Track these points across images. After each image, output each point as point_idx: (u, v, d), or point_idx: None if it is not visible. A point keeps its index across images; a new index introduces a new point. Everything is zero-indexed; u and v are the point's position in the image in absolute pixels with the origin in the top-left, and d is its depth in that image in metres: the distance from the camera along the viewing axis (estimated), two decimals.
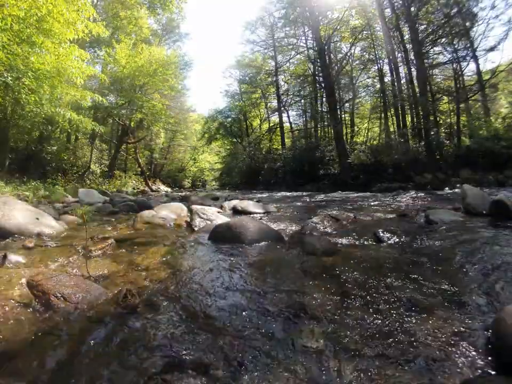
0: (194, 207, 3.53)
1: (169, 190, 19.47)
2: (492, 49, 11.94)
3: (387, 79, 16.03)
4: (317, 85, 17.62)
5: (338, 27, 14.57)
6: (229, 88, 25.36)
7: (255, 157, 18.51)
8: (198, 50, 72.57)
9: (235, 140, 25.07)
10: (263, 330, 1.02)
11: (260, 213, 3.96)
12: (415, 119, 12.80)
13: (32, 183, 7.49)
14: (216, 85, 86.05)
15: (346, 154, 12.42)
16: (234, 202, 4.58)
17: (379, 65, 16.54)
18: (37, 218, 2.78)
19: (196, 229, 2.87)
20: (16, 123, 8.60)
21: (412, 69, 12.85)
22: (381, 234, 2.19)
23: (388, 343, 0.92)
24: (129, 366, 0.84)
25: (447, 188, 7.96)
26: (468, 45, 12.77)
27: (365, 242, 2.14)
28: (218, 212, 3.82)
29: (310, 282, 1.42)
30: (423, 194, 6.36)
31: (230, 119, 25.67)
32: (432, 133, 11.61)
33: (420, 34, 12.43)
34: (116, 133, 18.66)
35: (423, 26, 12.97)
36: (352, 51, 17.03)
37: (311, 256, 1.86)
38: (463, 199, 2.98)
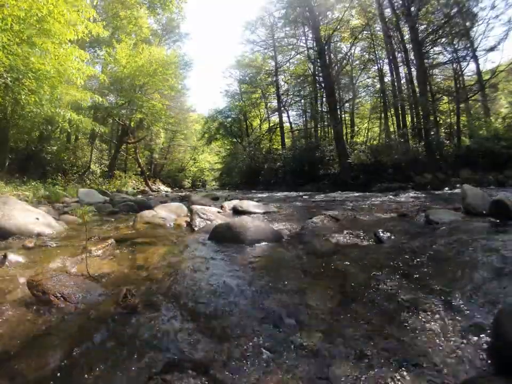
0: (194, 207, 3.53)
1: (169, 190, 19.47)
2: (492, 49, 11.94)
3: (387, 79, 16.06)
4: (317, 85, 17.62)
5: (338, 27, 14.57)
6: (229, 88, 25.41)
7: (255, 157, 18.51)
8: (198, 50, 72.72)
9: (235, 140, 25.07)
10: (263, 330, 1.02)
11: (260, 213, 3.96)
12: (415, 119, 12.80)
13: (32, 183, 7.49)
14: (216, 85, 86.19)
15: (346, 154, 12.42)
16: (234, 202, 4.58)
17: (379, 65, 16.55)
18: (37, 218, 2.78)
19: (196, 229, 2.87)
20: (16, 123, 8.60)
21: (412, 69, 12.85)
22: (381, 234, 2.19)
23: (387, 343, 0.92)
24: (129, 366, 0.84)
25: (447, 188, 7.96)
26: (468, 45, 12.78)
27: (365, 242, 2.14)
28: (218, 212, 3.82)
29: (310, 282, 1.42)
30: (423, 194, 6.36)
31: (230, 119, 25.68)
32: (432, 133, 11.61)
33: (420, 34, 12.43)
34: (116, 133, 18.66)
35: (423, 26, 12.98)
36: (352, 51, 17.06)
37: (311, 256, 1.86)
38: (463, 199, 2.98)
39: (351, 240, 2.23)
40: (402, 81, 14.14)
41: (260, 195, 8.88)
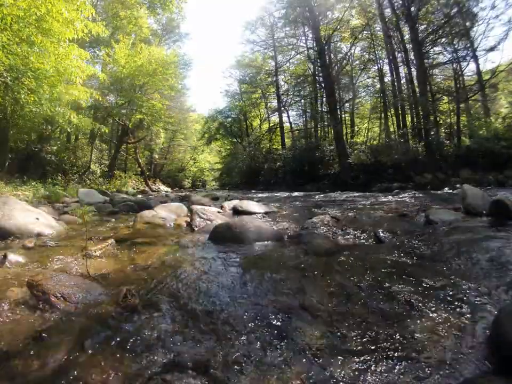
0: (194, 207, 3.53)
1: (169, 190, 19.45)
2: (492, 49, 11.94)
3: (387, 79, 16.06)
4: (317, 85, 17.61)
5: (338, 27, 14.56)
6: (229, 88, 25.40)
7: (255, 157, 18.51)
8: (198, 50, 72.59)
9: (235, 140, 25.07)
10: (263, 330, 1.02)
11: (260, 213, 3.96)
12: (415, 119, 12.80)
13: (32, 183, 7.49)
14: (216, 85, 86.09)
15: (346, 154, 12.42)
16: (234, 202, 4.57)
17: (379, 65, 16.55)
18: (37, 218, 2.78)
19: (196, 229, 2.87)
20: (16, 123, 8.59)
21: (412, 69, 12.85)
22: (381, 234, 2.19)
23: (388, 343, 0.92)
24: (129, 366, 0.84)
25: (447, 188, 7.96)
26: (468, 45, 12.78)
27: (365, 242, 2.14)
28: (218, 212, 3.82)
29: (310, 282, 1.42)
30: (423, 194, 6.36)
31: (230, 119, 25.68)
32: (432, 133, 11.61)
33: (420, 34, 12.44)
34: (116, 133, 18.65)
35: (423, 26, 12.98)
36: (352, 51, 17.05)
37: (311, 256, 1.86)
38: (463, 199, 2.98)
39: (351, 240, 2.23)
40: (402, 81, 14.14)
41: (260, 195, 8.88)
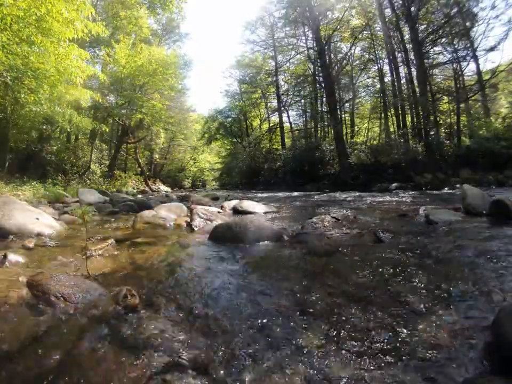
0: (194, 207, 3.53)
1: (169, 190, 19.45)
2: (492, 49, 11.96)
3: (387, 79, 16.07)
4: (317, 85, 17.63)
5: (338, 27, 14.57)
6: (229, 88, 25.41)
7: (255, 157, 18.51)
8: (198, 50, 72.59)
9: (235, 140, 25.08)
10: (263, 330, 1.02)
11: (260, 213, 3.96)
12: (415, 119, 12.81)
13: (32, 183, 7.49)
14: (216, 85, 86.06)
15: (346, 154, 12.42)
16: (234, 202, 4.58)
17: (379, 65, 16.56)
18: (37, 218, 2.78)
19: (196, 229, 2.87)
20: (16, 123, 8.59)
21: (412, 69, 12.86)
22: (381, 234, 2.19)
23: (388, 343, 0.92)
24: (129, 366, 0.84)
25: (447, 188, 7.97)
26: (468, 45, 12.79)
27: (365, 242, 2.14)
28: (219, 212, 3.82)
29: (310, 282, 1.42)
30: (423, 194, 6.36)
31: (230, 119, 25.68)
32: (432, 133, 11.62)
33: (420, 34, 12.45)
34: (116, 133, 18.65)
35: (423, 26, 12.99)
36: (352, 51, 17.07)
37: (311, 256, 1.86)
38: (463, 199, 2.98)
39: (351, 240, 2.23)
40: (402, 81, 14.14)
41: (260, 195, 8.88)
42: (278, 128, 20.49)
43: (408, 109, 13.82)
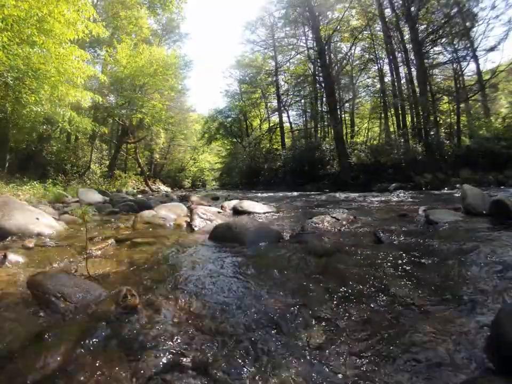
0: (194, 207, 3.53)
1: (169, 190, 19.45)
2: (492, 49, 11.96)
3: (387, 79, 16.07)
4: (317, 85, 17.63)
5: (338, 27, 14.57)
6: (229, 88, 25.41)
7: (255, 157, 18.51)
8: (198, 50, 72.63)
9: (235, 140, 25.08)
10: (263, 330, 1.02)
11: (260, 213, 3.96)
12: (415, 119, 12.81)
13: (32, 183, 7.49)
14: (216, 85, 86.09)
15: (346, 154, 12.42)
16: (234, 202, 4.58)
17: (379, 65, 16.56)
18: (37, 218, 2.78)
19: (196, 229, 2.87)
20: (16, 123, 8.60)
21: (412, 69, 12.86)
22: (381, 234, 2.19)
23: (388, 343, 0.92)
24: (129, 366, 0.84)
25: (446, 188, 7.96)
26: (468, 45, 12.79)
27: (365, 243, 2.14)
28: (219, 212, 3.82)
29: (310, 282, 1.42)
30: (423, 194, 6.36)
31: (230, 119, 25.68)
32: (432, 133, 11.62)
33: (420, 34, 12.45)
34: (116, 133, 18.65)
35: (423, 26, 12.99)
36: (352, 51, 17.06)
37: (311, 256, 1.86)
38: (463, 199, 2.98)
39: (351, 240, 2.23)
40: (402, 81, 14.14)
41: (260, 195, 8.88)
42: (278, 128, 20.49)
43: (408, 109, 13.82)
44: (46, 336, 0.99)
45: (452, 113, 13.54)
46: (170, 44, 22.16)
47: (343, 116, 17.77)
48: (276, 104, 21.25)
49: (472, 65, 13.22)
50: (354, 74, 17.83)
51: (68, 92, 6.24)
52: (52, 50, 5.63)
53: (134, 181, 17.86)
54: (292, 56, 19.34)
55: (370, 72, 18.09)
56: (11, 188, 6.28)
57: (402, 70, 14.05)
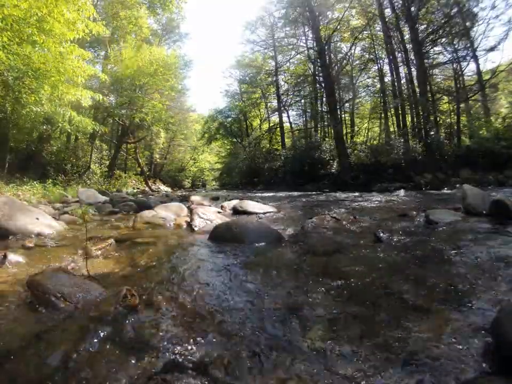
0: (194, 207, 3.53)
1: (169, 190, 19.46)
2: (492, 49, 11.96)
3: (387, 79, 16.07)
4: (317, 85, 17.62)
5: (338, 27, 14.57)
6: (229, 88, 25.39)
7: (255, 157, 18.50)
8: (198, 50, 72.54)
9: (235, 140, 25.07)
10: (263, 330, 1.02)
11: (260, 213, 3.96)
12: (415, 119, 12.81)
13: (32, 183, 7.49)
14: (216, 85, 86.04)
15: (346, 154, 12.42)
16: (234, 202, 4.58)
17: (379, 65, 16.56)
18: (37, 218, 2.78)
19: (196, 229, 2.87)
20: (16, 123, 8.60)
21: (412, 69, 12.86)
22: (381, 234, 2.19)
23: (388, 343, 0.92)
24: (129, 366, 0.84)
25: (446, 188, 7.96)
26: (468, 45, 12.79)
27: (365, 242, 2.14)
28: (219, 212, 3.82)
29: (310, 282, 1.42)
30: (423, 194, 6.36)
31: (230, 119, 25.67)
32: (432, 133, 11.62)
33: (420, 34, 12.45)
34: (116, 133, 18.64)
35: (423, 26, 13.00)
36: (352, 51, 17.06)
37: (311, 256, 1.86)
38: (463, 199, 2.98)
39: (351, 240, 2.23)
40: (402, 81, 14.14)
41: (260, 195, 8.88)
42: (278, 128, 20.49)
43: (408, 109, 13.82)
44: (46, 336, 0.99)
45: (452, 113, 13.54)
46: (170, 44, 22.18)
47: (343, 116, 17.77)
48: (276, 104, 21.24)
49: (472, 65, 13.23)
50: (354, 74, 17.83)
51: (68, 91, 6.24)
52: (52, 50, 5.63)
53: (134, 181, 17.86)
54: (292, 56, 19.35)
55: (370, 72, 18.10)
56: (11, 188, 6.28)
57: (402, 70, 14.06)
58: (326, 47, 14.61)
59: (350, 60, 17.22)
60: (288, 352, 0.90)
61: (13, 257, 1.78)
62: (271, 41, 19.67)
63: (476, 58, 12.66)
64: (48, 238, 2.50)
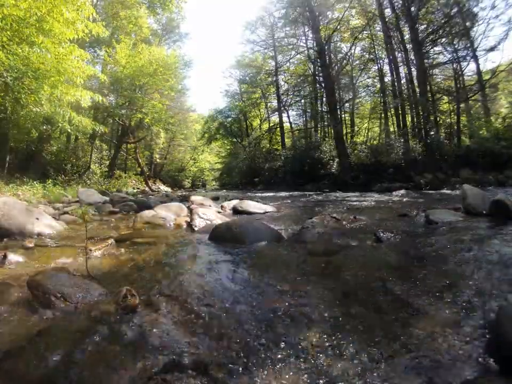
0: (194, 207, 3.53)
1: (169, 190, 19.45)
2: (492, 49, 11.97)
3: (387, 79, 16.07)
4: (317, 85, 17.63)
5: (338, 27, 14.57)
6: (229, 88, 25.39)
7: (255, 157, 18.50)
8: (198, 50, 72.50)
9: (235, 140, 25.07)
10: (263, 330, 1.02)
11: (259, 213, 3.96)
12: (415, 119, 12.81)
13: (32, 183, 7.49)
14: (216, 85, 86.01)
15: (346, 154, 12.42)
16: (234, 202, 4.58)
17: (379, 65, 16.57)
18: (37, 218, 2.78)
19: (196, 229, 2.87)
20: (16, 123, 8.59)
21: (412, 69, 12.86)
22: (381, 234, 2.18)
23: (387, 343, 0.92)
24: (129, 366, 0.84)
25: (446, 188, 7.96)
26: (468, 45, 12.80)
27: (365, 242, 2.14)
28: (219, 212, 3.82)
29: (310, 282, 1.42)
30: (423, 194, 6.36)
31: (230, 119, 25.67)
32: (432, 133, 11.62)
33: (420, 34, 12.45)
34: (116, 133, 18.64)
35: (423, 26, 13.00)
36: (352, 51, 17.06)
37: (310, 256, 1.86)
38: (463, 199, 2.98)
39: (350, 240, 2.23)
40: (402, 81, 14.14)
41: (260, 195, 8.88)
42: (278, 128, 20.49)
43: (408, 109, 13.83)
44: (46, 336, 0.99)
45: (452, 113, 13.54)
46: (170, 44, 22.17)
47: (343, 116, 17.78)
48: (276, 104, 21.24)
49: (472, 65, 13.23)
50: (354, 74, 17.83)
51: (68, 91, 6.24)
52: (51, 50, 5.63)
53: (134, 181, 17.86)
54: (291, 56, 19.34)
55: (370, 72, 18.10)
56: (11, 187, 6.28)
57: (402, 70, 14.06)
58: (326, 47, 14.61)
59: (350, 60, 17.22)
60: (289, 352, 0.90)
61: (13, 257, 1.78)
62: (271, 41, 19.67)
63: (476, 58, 12.66)
64: (48, 238, 2.50)
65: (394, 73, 14.37)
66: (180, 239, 2.47)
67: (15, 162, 9.89)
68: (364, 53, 17.39)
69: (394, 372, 0.80)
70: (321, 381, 0.78)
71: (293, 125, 21.82)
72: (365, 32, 15.59)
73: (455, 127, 12.87)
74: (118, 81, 13.26)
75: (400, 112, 14.11)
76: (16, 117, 7.87)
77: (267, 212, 4.06)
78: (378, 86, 16.87)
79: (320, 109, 18.63)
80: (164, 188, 20.40)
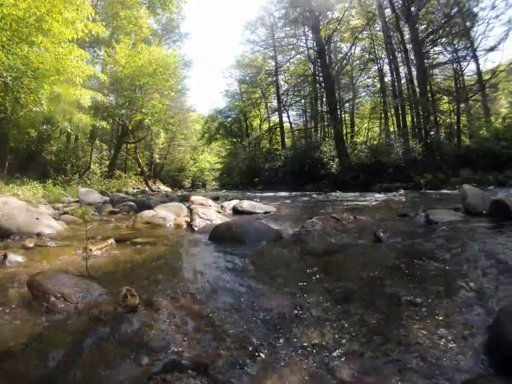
0: (194, 207, 3.53)
1: (169, 190, 19.44)
2: (492, 49, 11.97)
3: (387, 79, 16.08)
4: (317, 85, 17.64)
5: (338, 27, 14.58)
6: (229, 88, 25.41)
7: (255, 157, 18.51)
8: (198, 50, 72.49)
9: (235, 140, 25.08)
10: (263, 330, 1.02)
11: (259, 213, 3.96)
12: (415, 119, 12.81)
13: (32, 183, 7.48)
14: (216, 85, 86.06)
15: (346, 154, 12.42)
16: (234, 202, 4.58)
17: (379, 65, 16.58)
18: (37, 218, 2.78)
19: (196, 229, 2.87)
20: (16, 123, 8.59)
21: (412, 69, 12.86)
22: (381, 234, 2.18)
23: (387, 343, 0.92)
24: (129, 366, 0.84)
25: (446, 188, 7.96)
26: (468, 45, 12.80)
27: (365, 242, 2.14)
28: (219, 212, 3.82)
29: (310, 282, 1.42)
30: (423, 194, 6.36)
31: (230, 119, 25.68)
32: (432, 133, 11.63)
33: (420, 34, 12.46)
34: (116, 133, 18.64)
35: (423, 26, 13.00)
36: (352, 51, 17.07)
37: (310, 256, 1.86)
38: (463, 199, 2.98)
39: (350, 240, 2.23)
40: (402, 81, 14.14)
41: (260, 195, 8.88)
42: (278, 128, 20.50)
43: (408, 109, 13.82)
44: (46, 336, 0.99)
45: (452, 113, 13.55)
46: (170, 44, 22.18)
47: (343, 115, 17.79)
48: (276, 104, 21.25)
49: (472, 65, 13.24)
50: (354, 74, 17.84)
51: (67, 91, 6.23)
52: (50, 50, 5.63)
53: (134, 181, 17.85)
54: (291, 56, 19.37)
55: (370, 72, 18.12)
56: (11, 187, 6.28)
57: (402, 70, 14.07)
58: (326, 47, 14.62)
59: (350, 60, 17.23)
60: (288, 352, 0.90)
61: (13, 257, 1.78)
62: (271, 41, 19.68)
63: (476, 58, 12.66)
64: (48, 238, 2.50)
65: (394, 73, 14.38)
66: (179, 239, 2.47)
67: (15, 162, 9.89)
68: (364, 53, 17.41)
69: (394, 372, 0.80)
70: (321, 381, 0.78)
71: (293, 125, 21.84)
72: (365, 32, 15.61)
73: (455, 127, 12.88)
74: (118, 81, 13.26)
75: (400, 112, 14.11)
76: (16, 117, 7.86)
77: (267, 212, 4.06)
78: (378, 86, 16.88)
79: (320, 109, 18.64)
80: (163, 188, 20.40)
